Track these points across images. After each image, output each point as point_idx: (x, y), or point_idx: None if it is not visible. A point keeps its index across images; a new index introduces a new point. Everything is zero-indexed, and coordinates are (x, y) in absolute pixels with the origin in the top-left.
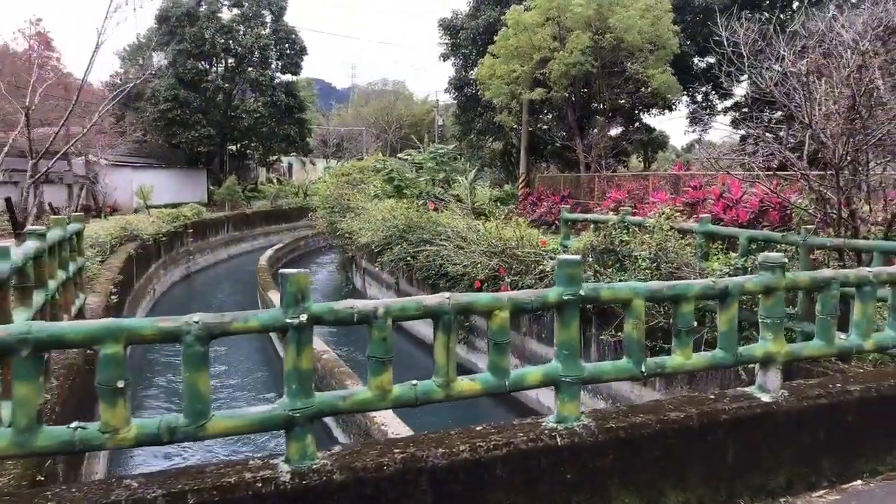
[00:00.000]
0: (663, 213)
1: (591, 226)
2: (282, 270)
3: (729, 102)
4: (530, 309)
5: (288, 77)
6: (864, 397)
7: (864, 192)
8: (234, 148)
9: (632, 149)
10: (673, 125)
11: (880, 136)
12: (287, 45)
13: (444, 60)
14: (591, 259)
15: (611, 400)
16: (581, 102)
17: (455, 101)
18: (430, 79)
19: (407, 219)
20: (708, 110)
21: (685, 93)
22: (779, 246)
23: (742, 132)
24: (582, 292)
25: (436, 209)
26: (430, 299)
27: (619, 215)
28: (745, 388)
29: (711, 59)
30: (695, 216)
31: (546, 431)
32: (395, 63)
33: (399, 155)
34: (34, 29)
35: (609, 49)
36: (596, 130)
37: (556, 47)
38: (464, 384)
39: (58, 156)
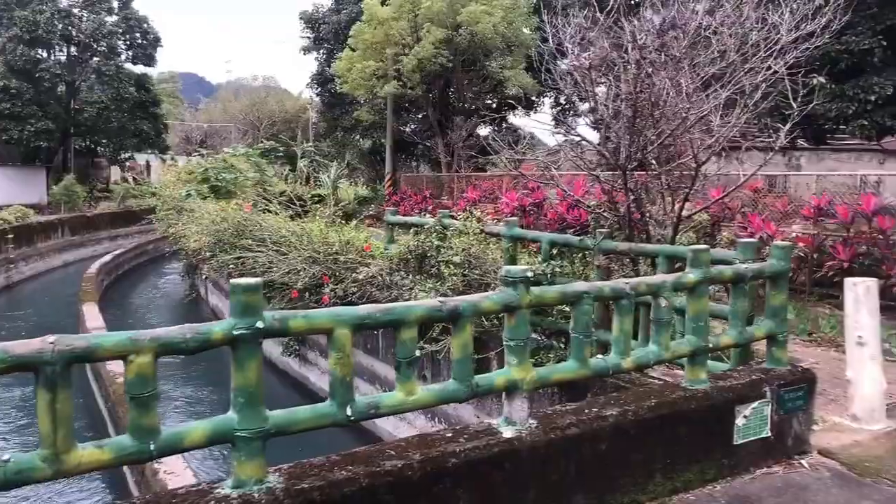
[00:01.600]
0: (470, 216)
1: (413, 229)
2: None
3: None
4: (186, 350)
5: (141, 69)
6: (621, 423)
7: (660, 194)
8: (82, 144)
9: (500, 148)
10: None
11: (664, 136)
12: (138, 35)
13: (305, 54)
14: (412, 265)
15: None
16: (442, 101)
17: (319, 98)
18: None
19: (236, 222)
20: (571, 112)
21: (549, 94)
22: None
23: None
24: (261, 324)
25: (266, 210)
26: (22, 347)
27: (437, 218)
28: (492, 421)
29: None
30: (502, 220)
31: (213, 503)
32: (269, 57)
33: (226, 150)
34: None
35: (464, 46)
36: (453, 130)
37: (410, 42)
38: (84, 454)
39: None
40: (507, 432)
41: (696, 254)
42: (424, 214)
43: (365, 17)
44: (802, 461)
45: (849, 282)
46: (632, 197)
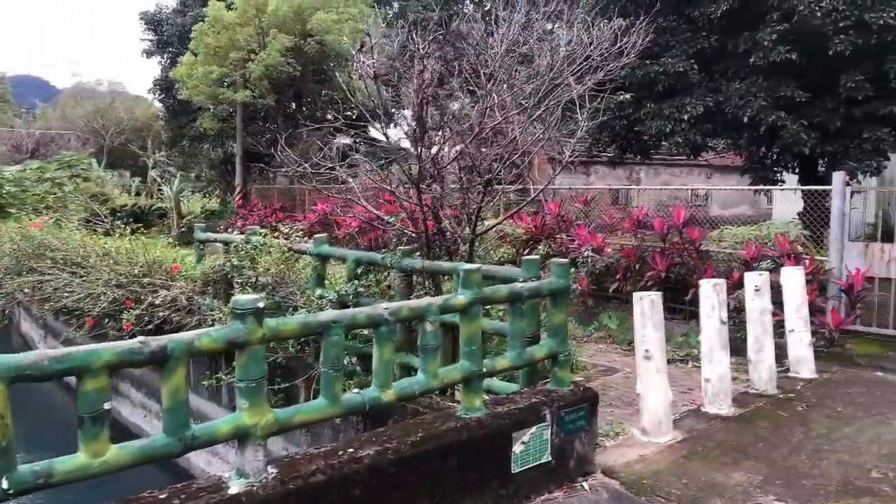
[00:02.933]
0: (271, 233)
1: (222, 247)
2: None
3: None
4: None
5: None
6: (379, 462)
7: (460, 209)
8: None
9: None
10: None
11: (461, 151)
12: None
13: (147, 57)
14: (220, 287)
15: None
16: (295, 111)
17: (163, 104)
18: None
19: (36, 242)
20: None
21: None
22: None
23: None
24: None
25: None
26: None
27: (245, 235)
28: (223, 474)
29: None
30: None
31: None
32: (126, 61)
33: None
34: None
35: (313, 54)
36: (303, 141)
37: (256, 48)
38: None
39: None
40: (235, 487)
41: (467, 274)
42: (236, 230)
43: (208, 21)
44: (584, 483)
45: (636, 296)
46: (429, 212)
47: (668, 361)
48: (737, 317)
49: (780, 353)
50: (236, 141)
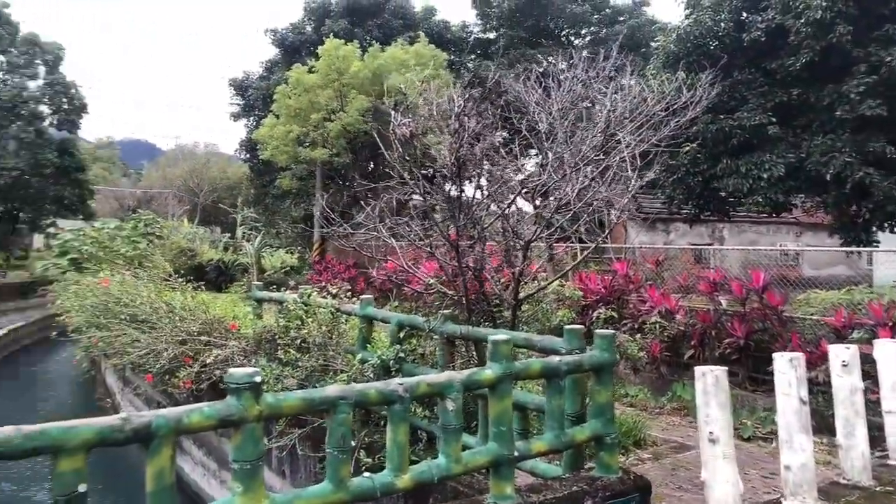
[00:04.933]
0: (317, 294)
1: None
2: None
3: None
4: None
5: (65, 134)
6: None
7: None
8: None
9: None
10: None
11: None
12: (64, 101)
13: (235, 120)
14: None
15: None
16: (372, 169)
17: (248, 164)
18: None
19: (103, 298)
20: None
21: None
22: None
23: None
24: None
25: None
26: None
27: (298, 293)
28: None
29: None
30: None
31: None
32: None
33: (95, 223)
34: None
35: (389, 114)
36: (377, 199)
37: (335, 107)
38: None
39: None
40: None
41: (496, 345)
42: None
43: (291, 84)
44: None
45: (698, 371)
46: (469, 274)
47: (749, 439)
48: (828, 391)
49: (880, 435)
50: (315, 198)
